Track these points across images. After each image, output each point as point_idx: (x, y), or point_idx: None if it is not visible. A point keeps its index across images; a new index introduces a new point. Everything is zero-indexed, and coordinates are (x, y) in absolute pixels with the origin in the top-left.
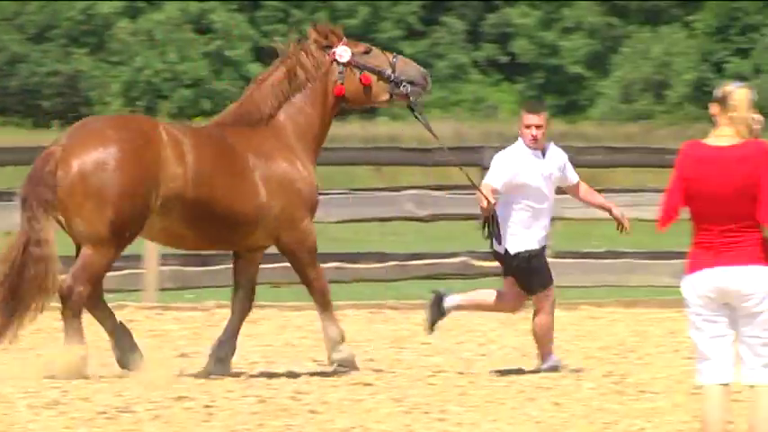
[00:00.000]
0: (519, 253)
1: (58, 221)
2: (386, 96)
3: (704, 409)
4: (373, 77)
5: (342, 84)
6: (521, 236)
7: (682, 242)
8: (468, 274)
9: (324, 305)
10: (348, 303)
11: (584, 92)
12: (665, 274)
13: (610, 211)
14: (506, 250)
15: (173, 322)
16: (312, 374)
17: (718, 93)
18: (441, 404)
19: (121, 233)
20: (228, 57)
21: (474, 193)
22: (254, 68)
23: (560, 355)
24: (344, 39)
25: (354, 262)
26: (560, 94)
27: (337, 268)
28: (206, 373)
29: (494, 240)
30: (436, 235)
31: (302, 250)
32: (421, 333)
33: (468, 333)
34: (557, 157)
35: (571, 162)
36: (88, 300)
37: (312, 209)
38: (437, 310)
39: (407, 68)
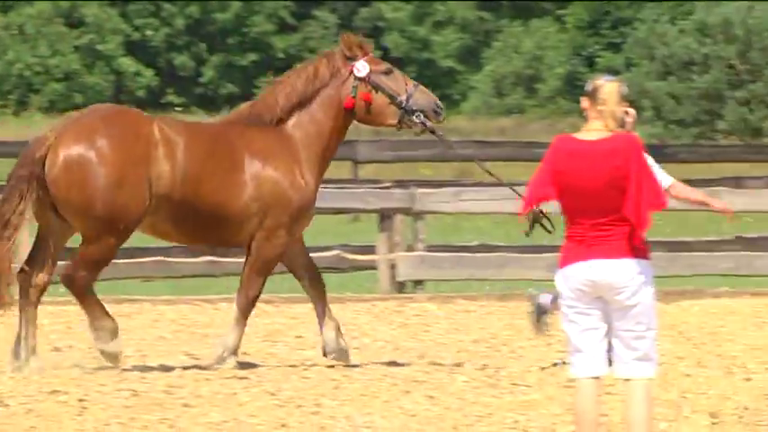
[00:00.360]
0: None
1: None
2: (394, 121)
3: (577, 402)
4: (385, 99)
5: (353, 97)
6: None
7: (554, 236)
8: (341, 268)
9: (240, 313)
10: (221, 297)
11: (457, 86)
12: (537, 267)
13: (709, 205)
14: None
15: (46, 316)
16: (185, 368)
17: (588, 87)
18: (314, 397)
19: (113, 226)
20: (100, 51)
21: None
22: (126, 62)
23: (434, 349)
24: (370, 54)
25: (227, 256)
26: (432, 88)
27: (211, 262)
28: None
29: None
30: (309, 229)
31: (260, 255)
32: (295, 326)
33: (341, 326)
34: None
35: (443, 156)
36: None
37: (299, 219)
38: (539, 311)
39: (422, 99)
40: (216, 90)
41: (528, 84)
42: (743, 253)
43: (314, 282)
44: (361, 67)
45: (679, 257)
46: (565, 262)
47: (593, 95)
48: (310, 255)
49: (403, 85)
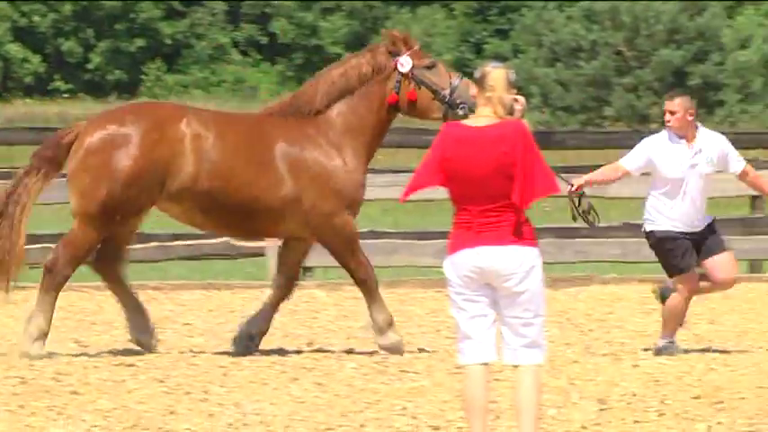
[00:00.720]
0: (650, 233)
1: None
2: (439, 115)
3: (465, 389)
4: (429, 94)
5: (396, 93)
6: (654, 218)
7: (444, 222)
8: (230, 255)
9: (368, 293)
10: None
11: None
12: (426, 254)
13: None
14: (645, 231)
15: None
16: (74, 356)
17: (476, 74)
18: (203, 384)
19: (110, 215)
20: None
21: None
22: (14, 48)
23: (323, 335)
24: (414, 49)
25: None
26: None
27: None
28: (236, 351)
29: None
30: None
31: (337, 242)
32: (183, 314)
33: (229, 314)
34: (710, 145)
35: None
36: (108, 276)
37: (351, 204)
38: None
39: (465, 92)
40: (103, 76)
41: None
42: (630, 239)
43: (285, 285)
44: (405, 63)
45: (567, 244)
46: (453, 248)
47: (481, 82)
48: (195, 242)
49: (446, 79)
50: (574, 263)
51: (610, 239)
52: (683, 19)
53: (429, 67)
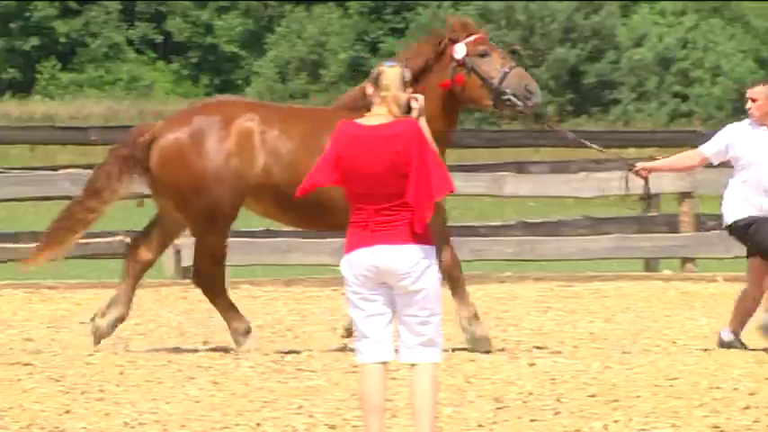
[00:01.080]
0: (735, 222)
1: None
2: (489, 102)
3: (362, 387)
4: (478, 82)
5: (450, 80)
6: (737, 206)
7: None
8: (124, 254)
9: (450, 285)
10: (5, 283)
11: (240, 71)
12: (323, 252)
13: None
14: (727, 223)
15: None
16: None
17: (372, 73)
18: (99, 384)
19: (211, 218)
20: None
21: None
22: None
23: (219, 334)
24: (476, 35)
25: (14, 241)
26: (216, 73)
27: None
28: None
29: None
30: None
31: None
32: (79, 313)
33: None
34: None
35: None
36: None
37: None
38: None
39: (513, 81)
40: None
41: (312, 69)
42: (526, 238)
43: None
44: (459, 50)
45: (464, 242)
46: (349, 248)
47: (376, 81)
48: (89, 241)
49: (497, 67)
50: (470, 261)
51: (506, 238)
52: (579, 18)
53: (482, 55)
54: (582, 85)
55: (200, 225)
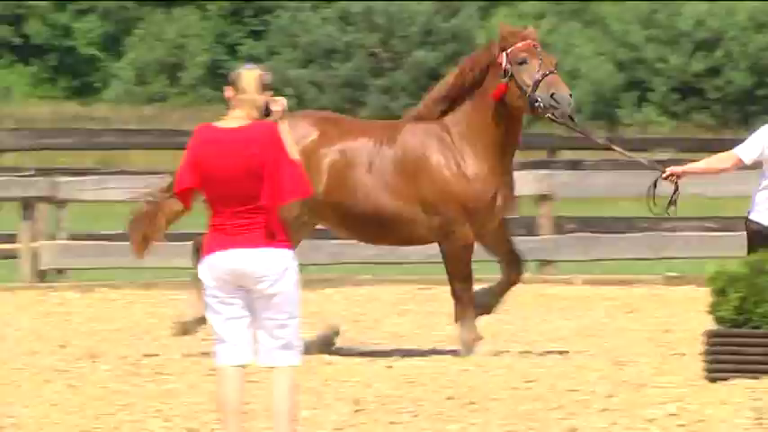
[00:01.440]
0: (762, 225)
1: None
2: (527, 111)
3: (220, 391)
4: (517, 89)
5: (496, 89)
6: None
7: (199, 224)
8: None
9: (461, 309)
10: None
11: (98, 74)
12: (181, 255)
13: None
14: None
15: None
16: None
17: (231, 75)
18: None
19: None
20: None
21: None
22: None
23: (76, 338)
24: (523, 42)
25: None
26: (74, 75)
27: None
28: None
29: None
30: None
31: (446, 253)
32: None
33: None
34: None
35: (84, 145)
36: None
37: (471, 210)
38: None
39: (542, 90)
40: None
41: (171, 72)
42: None
43: (510, 267)
44: (503, 58)
45: (322, 245)
46: (207, 251)
47: (234, 84)
48: None
49: (532, 75)
50: (329, 264)
51: None
52: (438, 20)
53: (521, 63)
54: None
55: None
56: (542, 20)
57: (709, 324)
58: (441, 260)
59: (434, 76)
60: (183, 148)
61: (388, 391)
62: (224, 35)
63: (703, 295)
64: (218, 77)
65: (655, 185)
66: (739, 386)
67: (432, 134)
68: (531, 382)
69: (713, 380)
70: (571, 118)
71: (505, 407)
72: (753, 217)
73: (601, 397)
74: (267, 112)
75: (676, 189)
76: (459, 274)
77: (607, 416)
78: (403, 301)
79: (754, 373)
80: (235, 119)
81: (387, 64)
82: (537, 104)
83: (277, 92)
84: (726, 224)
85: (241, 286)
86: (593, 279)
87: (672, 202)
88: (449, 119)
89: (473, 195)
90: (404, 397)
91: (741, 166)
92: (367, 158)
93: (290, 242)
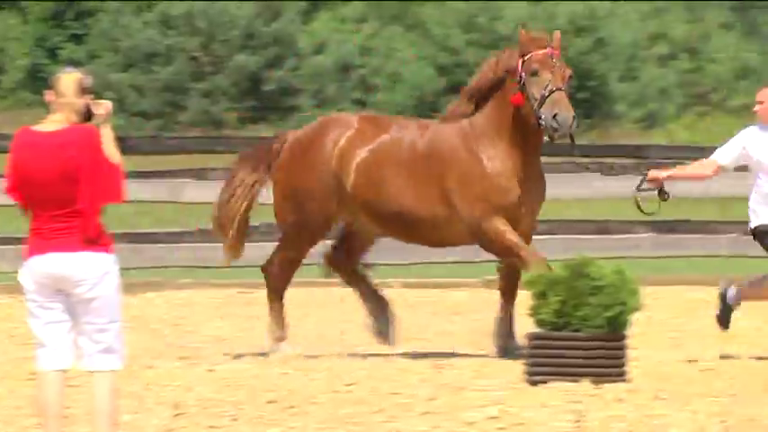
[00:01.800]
0: (758, 227)
1: None
2: (534, 121)
3: (40, 396)
4: (527, 101)
5: (513, 95)
6: (758, 211)
7: (21, 228)
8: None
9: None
10: None
11: None
12: (2, 259)
13: None
14: (752, 228)
15: None
16: None
17: (52, 79)
18: None
19: (301, 228)
20: None
21: None
22: None
23: None
24: (539, 52)
25: None
26: None
27: None
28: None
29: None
30: None
31: (494, 249)
32: None
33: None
34: None
35: None
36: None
37: (497, 209)
38: (725, 307)
39: (546, 107)
40: None
41: None
42: (205, 245)
43: (509, 274)
44: (520, 65)
45: (143, 249)
46: (28, 255)
47: (54, 87)
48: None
49: (540, 89)
50: (149, 268)
51: (185, 245)
52: (259, 24)
53: (533, 74)
54: (262, 91)
55: (287, 232)
56: (364, 23)
57: (530, 327)
58: (259, 264)
59: (255, 79)
60: (3, 152)
61: (209, 394)
62: (44, 39)
63: (525, 298)
64: (38, 81)
65: (641, 185)
66: (559, 389)
67: (457, 136)
68: (352, 385)
69: (533, 383)
70: (571, 137)
71: (326, 410)
72: (754, 224)
73: (422, 400)
74: (89, 115)
75: (662, 191)
76: (506, 253)
77: (428, 419)
78: (223, 304)
79: (574, 376)
80: (53, 122)
81: (208, 68)
82: (540, 122)
83: (98, 95)
84: (550, 227)
85: (60, 290)
86: (413, 283)
87: (663, 199)
88: (469, 122)
89: (499, 191)
90: (224, 400)
91: (722, 172)
92: (394, 160)
93: (111, 245)
